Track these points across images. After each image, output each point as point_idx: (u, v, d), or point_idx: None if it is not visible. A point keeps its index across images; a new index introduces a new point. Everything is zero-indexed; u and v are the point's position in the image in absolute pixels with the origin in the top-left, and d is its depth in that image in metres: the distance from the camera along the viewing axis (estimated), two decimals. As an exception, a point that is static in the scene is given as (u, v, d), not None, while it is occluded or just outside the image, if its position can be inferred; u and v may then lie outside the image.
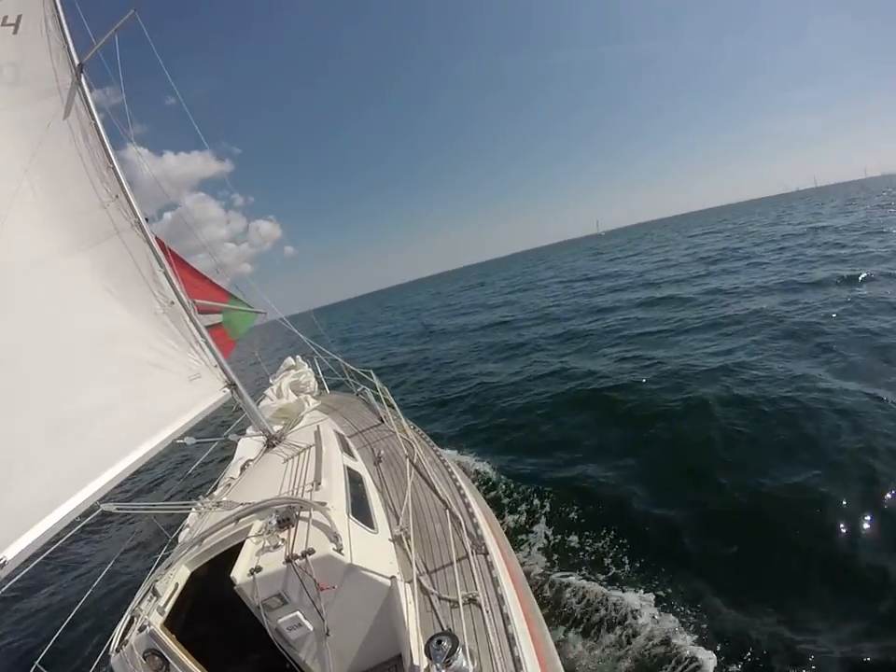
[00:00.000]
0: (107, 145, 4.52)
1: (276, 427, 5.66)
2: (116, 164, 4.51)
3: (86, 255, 4.37)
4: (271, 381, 7.72)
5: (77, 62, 4.57)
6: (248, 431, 6.13)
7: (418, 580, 2.75)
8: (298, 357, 8.45)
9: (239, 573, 2.64)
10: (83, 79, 4.57)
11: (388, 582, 2.61)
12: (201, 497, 4.61)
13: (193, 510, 4.17)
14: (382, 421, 5.62)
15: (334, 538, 2.69)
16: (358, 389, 6.85)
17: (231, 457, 5.91)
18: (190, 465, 6.40)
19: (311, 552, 2.57)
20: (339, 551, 2.63)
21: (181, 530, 4.55)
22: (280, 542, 2.77)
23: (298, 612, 2.60)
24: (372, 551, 2.92)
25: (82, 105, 4.52)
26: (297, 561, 2.54)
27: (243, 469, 5.07)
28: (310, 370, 8.07)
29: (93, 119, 4.51)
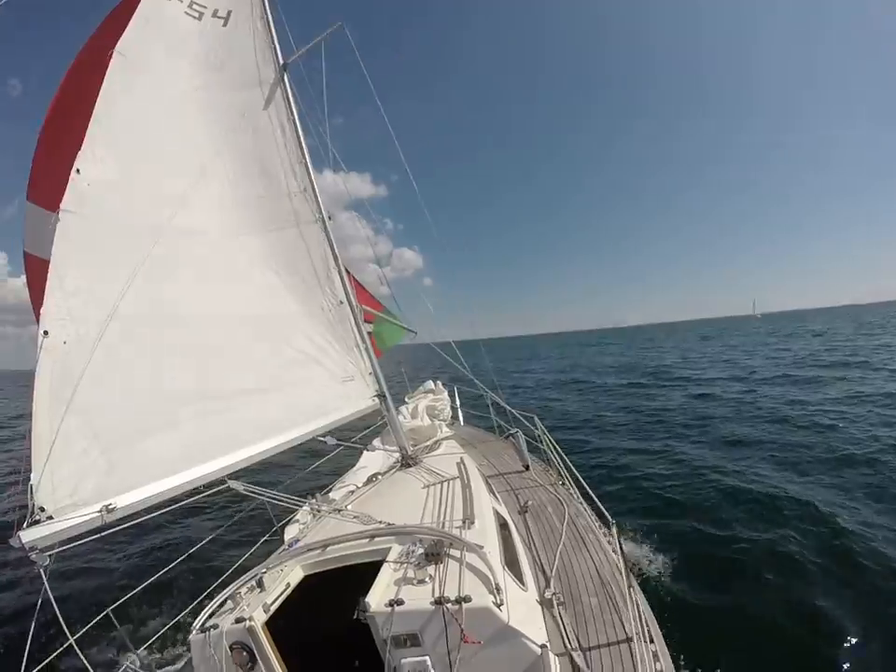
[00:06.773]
0: (302, 141, 4.56)
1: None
2: (308, 160, 4.53)
3: (265, 238, 4.40)
4: (406, 399, 7.58)
5: (281, 61, 4.69)
6: (375, 443, 5.94)
7: (570, 654, 2.48)
8: (439, 382, 8.26)
9: (374, 600, 2.43)
10: (286, 78, 4.67)
11: (538, 651, 2.32)
12: (317, 494, 4.41)
13: (307, 505, 4.05)
14: (526, 468, 5.19)
15: (495, 590, 2.43)
16: (512, 430, 6.42)
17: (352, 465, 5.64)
18: (315, 461, 6.22)
19: (467, 599, 2.32)
20: (498, 605, 2.36)
21: (290, 523, 4.41)
22: (427, 578, 2.54)
23: (427, 658, 2.34)
24: (525, 611, 2.63)
25: (283, 100, 4.64)
26: (448, 605, 2.29)
27: (370, 479, 4.87)
28: (447, 398, 7.84)
29: (292, 115, 4.62)
